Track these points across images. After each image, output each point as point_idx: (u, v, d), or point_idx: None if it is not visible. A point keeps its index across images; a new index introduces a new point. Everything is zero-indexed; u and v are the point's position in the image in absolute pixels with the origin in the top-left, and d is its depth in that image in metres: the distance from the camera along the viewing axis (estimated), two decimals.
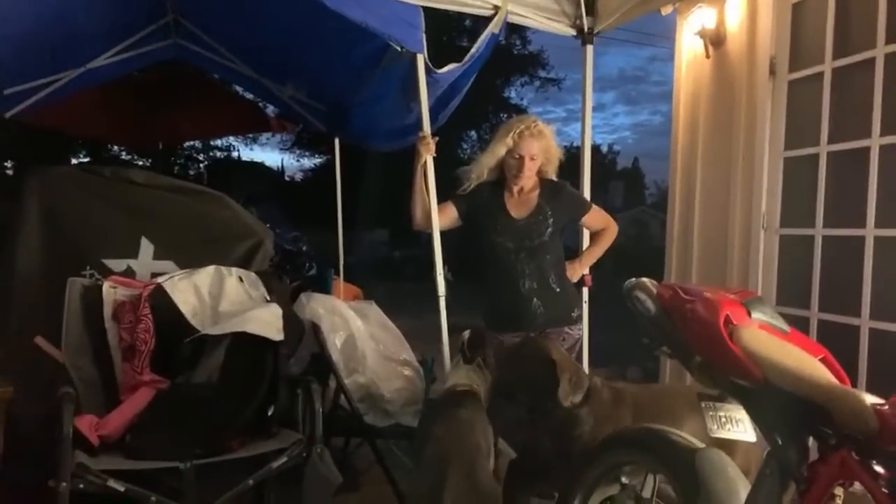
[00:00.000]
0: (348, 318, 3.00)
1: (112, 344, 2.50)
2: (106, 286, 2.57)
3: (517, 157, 2.73)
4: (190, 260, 2.85)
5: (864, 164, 3.19)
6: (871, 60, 3.16)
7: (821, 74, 3.46)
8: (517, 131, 2.73)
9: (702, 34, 4.09)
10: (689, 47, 4.34)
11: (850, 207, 3.28)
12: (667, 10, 4.25)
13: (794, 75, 3.64)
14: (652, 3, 3.01)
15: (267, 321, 2.46)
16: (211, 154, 23.24)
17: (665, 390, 2.60)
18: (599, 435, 2.20)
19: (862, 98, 3.21)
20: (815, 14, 3.51)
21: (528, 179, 2.80)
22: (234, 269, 2.78)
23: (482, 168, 2.83)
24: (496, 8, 3.10)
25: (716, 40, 4.08)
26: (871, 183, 3.16)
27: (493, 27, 3.10)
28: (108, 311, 2.52)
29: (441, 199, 2.92)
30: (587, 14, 3.22)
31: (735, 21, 3.98)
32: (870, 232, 3.16)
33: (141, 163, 16.72)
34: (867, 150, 3.19)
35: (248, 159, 25.70)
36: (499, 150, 2.77)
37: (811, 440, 1.58)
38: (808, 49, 3.57)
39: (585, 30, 3.26)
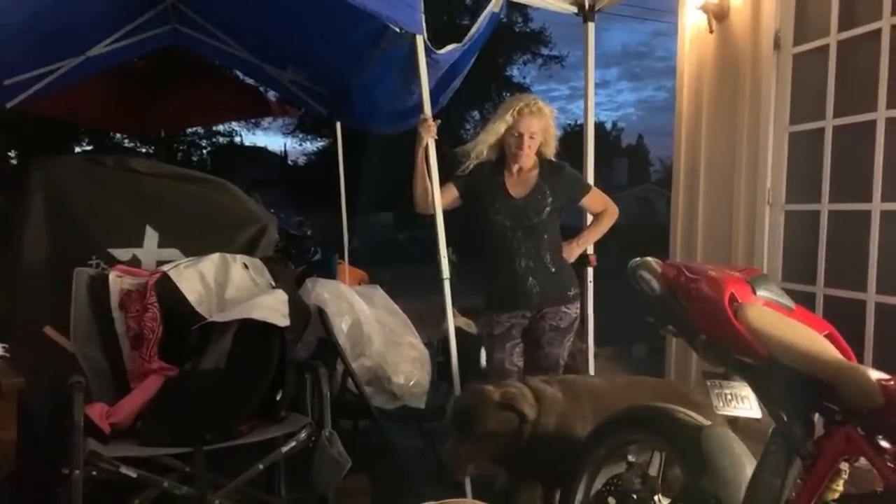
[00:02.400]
0: (354, 303, 3.02)
1: (120, 332, 2.52)
2: (112, 275, 2.58)
3: (516, 134, 2.73)
4: (195, 247, 2.86)
5: (870, 138, 3.16)
6: (877, 32, 3.12)
7: (826, 47, 3.41)
8: (516, 109, 2.73)
9: (705, 8, 4.04)
10: (692, 22, 4.29)
11: (856, 182, 3.26)
12: None
13: (798, 49, 3.60)
14: None
15: (273, 307, 2.47)
16: (213, 140, 23.18)
17: (630, 382, 2.58)
18: (566, 435, 2.22)
19: (867, 71, 3.17)
20: None
21: (528, 158, 2.80)
22: (238, 256, 2.79)
23: (481, 145, 2.82)
24: None
25: (719, 14, 4.03)
26: (876, 156, 3.14)
27: (494, 6, 3.06)
28: (114, 300, 2.54)
29: (443, 181, 2.91)
30: None
31: None
32: (876, 206, 3.14)
33: (143, 150, 16.74)
34: (873, 123, 3.16)
35: (251, 144, 25.67)
36: (498, 127, 2.76)
37: (816, 416, 1.59)
38: (813, 22, 3.53)
39: (586, 7, 3.22)
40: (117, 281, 2.57)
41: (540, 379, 2.40)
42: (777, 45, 3.66)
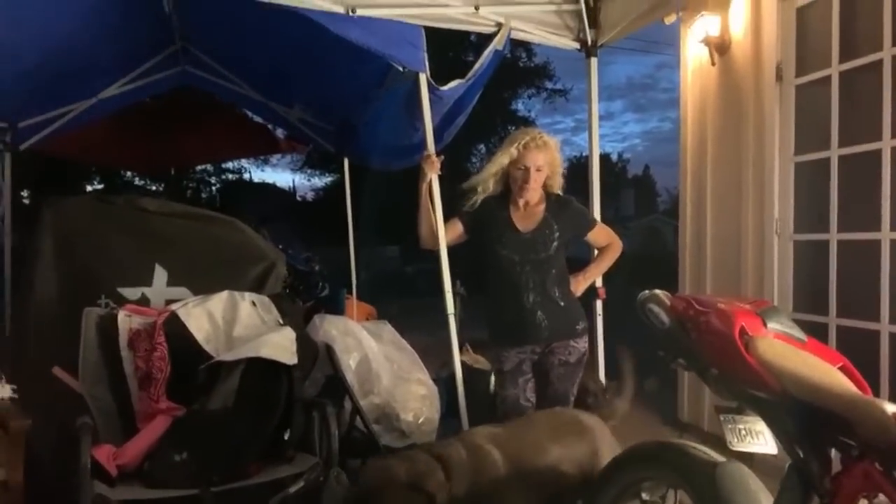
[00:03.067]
0: (362, 339, 3.01)
1: (128, 372, 2.52)
2: (121, 315, 2.59)
3: (522, 168, 2.74)
4: (203, 285, 2.87)
5: (877, 167, 3.16)
6: (879, 62, 3.14)
7: (828, 78, 3.44)
8: (522, 142, 2.74)
9: (706, 42, 4.09)
10: (694, 55, 4.34)
11: (864, 211, 3.24)
12: (670, 19, 4.25)
13: (801, 80, 3.63)
14: (654, 14, 3.02)
15: (280, 345, 2.47)
16: (223, 176, 23.43)
17: (525, 420, 2.51)
18: (483, 493, 2.10)
19: (871, 100, 3.19)
20: (820, 17, 3.50)
21: (534, 192, 2.80)
22: (247, 294, 2.80)
23: (486, 178, 2.83)
24: (499, 25, 3.11)
25: (721, 47, 4.07)
26: (884, 185, 3.13)
27: (497, 44, 3.11)
28: (123, 339, 2.54)
29: (449, 216, 2.92)
30: (590, 27, 3.23)
31: (739, 27, 3.97)
32: (886, 235, 3.12)
33: (154, 187, 16.93)
34: (879, 152, 3.16)
35: (260, 180, 25.89)
36: (502, 159, 2.77)
37: (833, 452, 1.56)
38: (815, 53, 3.56)
39: (589, 43, 3.27)
40: (126, 320, 2.58)
41: (441, 443, 2.27)
42: (779, 76, 3.69)
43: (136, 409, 2.48)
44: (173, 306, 2.66)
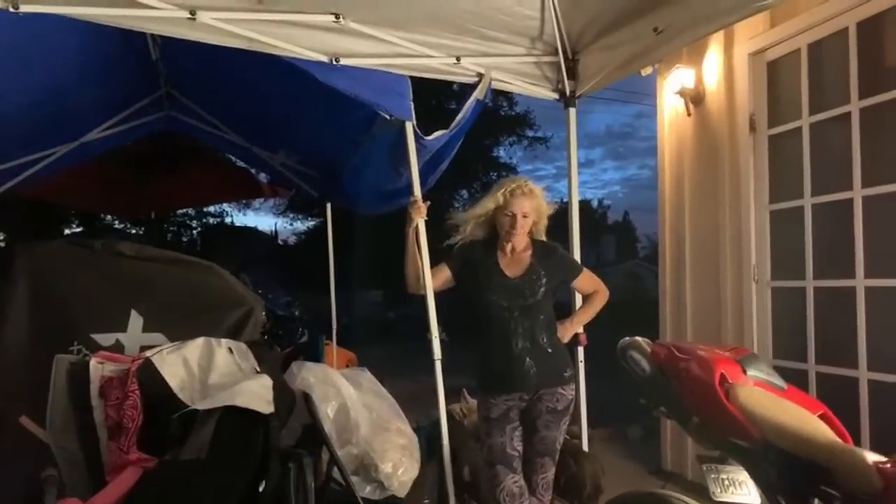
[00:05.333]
0: (340, 387, 2.94)
1: (98, 422, 2.43)
2: (93, 362, 2.51)
3: (509, 214, 2.77)
4: (180, 332, 2.81)
5: (849, 216, 3.23)
6: (847, 115, 3.25)
7: (799, 129, 3.54)
8: (509, 189, 2.79)
9: (682, 93, 4.21)
10: (670, 106, 4.47)
11: (838, 259, 3.30)
12: (647, 71, 4.39)
13: (773, 130, 3.74)
14: (631, 66, 3.10)
15: (257, 393, 2.40)
16: (204, 220, 23.31)
17: None
18: None
19: (841, 151, 3.28)
20: (790, 71, 3.63)
21: (521, 238, 2.83)
22: (223, 341, 2.73)
23: (469, 220, 2.86)
24: (480, 75, 3.18)
25: (696, 98, 4.20)
26: (857, 234, 3.20)
27: (478, 94, 3.17)
28: (94, 387, 2.46)
29: (435, 260, 2.92)
30: (568, 78, 3.30)
31: (713, 80, 4.10)
32: (860, 282, 3.17)
33: (133, 231, 16.79)
34: (850, 201, 3.23)
35: (242, 224, 25.84)
36: (488, 204, 2.82)
37: (816, 501, 1.55)
38: (786, 105, 3.68)
39: (567, 93, 3.34)
40: (98, 367, 2.50)
41: None
42: (752, 127, 3.80)
43: (105, 460, 2.39)
44: (147, 353, 2.59)
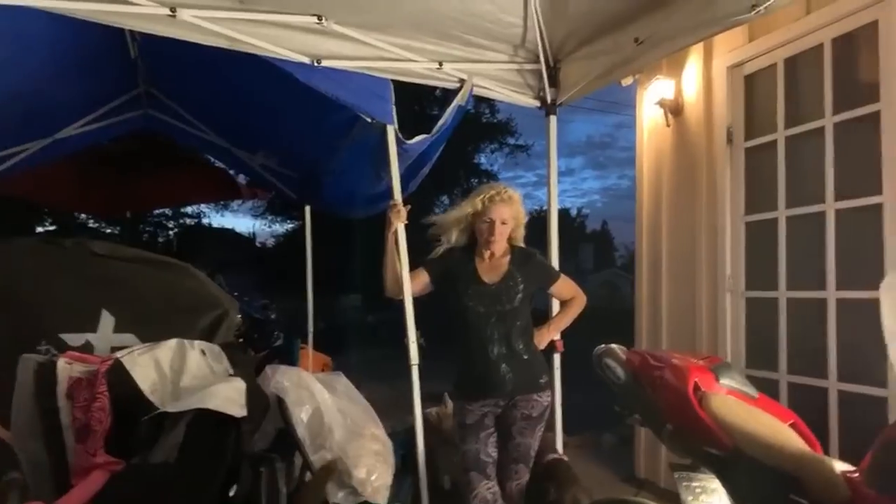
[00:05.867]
0: (315, 391, 2.90)
1: (65, 424, 2.37)
2: (61, 362, 2.46)
3: (488, 220, 2.77)
4: (152, 333, 2.76)
5: (822, 228, 3.28)
6: (821, 129, 3.31)
7: (775, 142, 3.60)
8: (487, 195, 2.79)
9: (661, 104, 4.26)
10: (649, 116, 4.51)
11: (811, 270, 3.35)
12: (627, 82, 4.44)
13: (750, 143, 3.79)
14: (612, 76, 3.13)
15: (229, 397, 2.37)
16: (181, 221, 23.02)
17: None
18: None
19: (815, 164, 3.34)
20: (767, 85, 3.69)
21: (499, 244, 2.83)
22: (196, 342, 2.69)
23: (447, 223, 2.86)
24: (462, 81, 3.19)
25: (675, 109, 4.25)
26: (828, 246, 3.25)
27: (460, 99, 3.17)
28: (62, 388, 2.40)
29: (414, 265, 2.92)
30: (550, 86, 3.33)
31: (692, 92, 4.15)
32: (831, 294, 3.22)
33: (109, 230, 16.53)
34: (823, 214, 3.29)
35: (219, 226, 25.55)
36: (466, 209, 2.82)
37: None
38: (762, 118, 3.73)
39: (549, 101, 3.36)
40: (66, 368, 2.45)
41: None
42: (729, 139, 3.85)
43: (72, 463, 2.33)
44: (118, 354, 2.54)
